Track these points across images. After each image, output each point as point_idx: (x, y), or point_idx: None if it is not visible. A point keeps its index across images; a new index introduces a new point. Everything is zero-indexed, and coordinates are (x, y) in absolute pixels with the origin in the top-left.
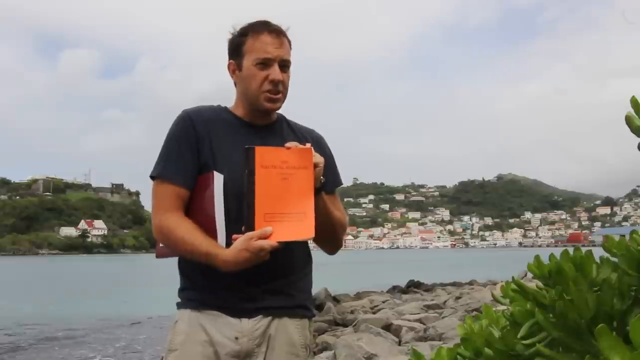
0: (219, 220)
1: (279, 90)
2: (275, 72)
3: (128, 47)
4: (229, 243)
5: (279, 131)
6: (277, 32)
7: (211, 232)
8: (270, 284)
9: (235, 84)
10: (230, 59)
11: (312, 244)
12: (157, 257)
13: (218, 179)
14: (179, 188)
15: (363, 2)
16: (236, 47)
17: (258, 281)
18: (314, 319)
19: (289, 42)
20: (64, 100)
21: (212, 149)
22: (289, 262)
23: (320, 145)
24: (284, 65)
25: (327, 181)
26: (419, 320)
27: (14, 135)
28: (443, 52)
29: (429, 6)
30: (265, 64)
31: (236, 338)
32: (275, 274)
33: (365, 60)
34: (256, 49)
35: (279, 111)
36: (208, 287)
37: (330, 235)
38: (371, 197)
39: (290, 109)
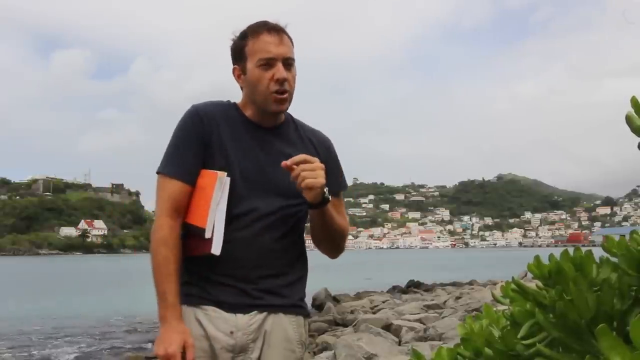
0: (218, 221)
1: (285, 89)
2: (279, 70)
3: (125, 47)
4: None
5: (285, 133)
6: (276, 30)
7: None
8: (267, 283)
9: (242, 89)
10: (234, 64)
11: (310, 247)
12: None
13: (221, 179)
14: (181, 184)
15: (362, 2)
16: (238, 51)
17: (256, 280)
18: (312, 319)
19: (290, 39)
20: (63, 100)
21: (220, 148)
22: (286, 263)
23: (326, 147)
24: (288, 63)
25: (330, 184)
26: (419, 320)
27: (14, 135)
28: (442, 52)
29: (429, 6)
30: (268, 64)
31: (231, 332)
32: (272, 274)
33: (365, 60)
34: (258, 49)
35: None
36: (206, 283)
37: (329, 243)
38: (371, 197)
39: (290, 109)
